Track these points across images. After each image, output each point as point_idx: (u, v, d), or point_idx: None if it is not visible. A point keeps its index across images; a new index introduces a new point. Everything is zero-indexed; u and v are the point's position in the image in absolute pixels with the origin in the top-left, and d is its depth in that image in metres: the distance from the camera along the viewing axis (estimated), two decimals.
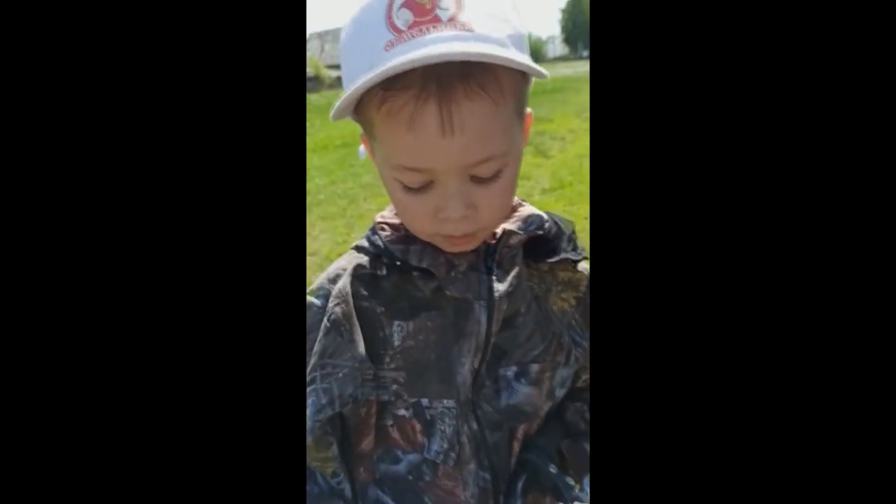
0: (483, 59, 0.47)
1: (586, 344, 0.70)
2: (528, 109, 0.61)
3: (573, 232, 0.69)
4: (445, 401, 0.63)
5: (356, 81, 0.49)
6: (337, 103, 0.51)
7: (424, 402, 0.63)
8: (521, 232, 0.65)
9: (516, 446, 0.67)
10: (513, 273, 0.64)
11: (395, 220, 0.65)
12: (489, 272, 0.63)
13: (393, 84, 0.48)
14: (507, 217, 0.66)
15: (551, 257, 0.67)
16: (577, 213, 4.15)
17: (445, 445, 0.64)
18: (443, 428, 0.63)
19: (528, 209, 0.68)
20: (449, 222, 0.56)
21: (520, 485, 0.64)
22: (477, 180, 0.54)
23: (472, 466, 0.64)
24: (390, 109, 0.50)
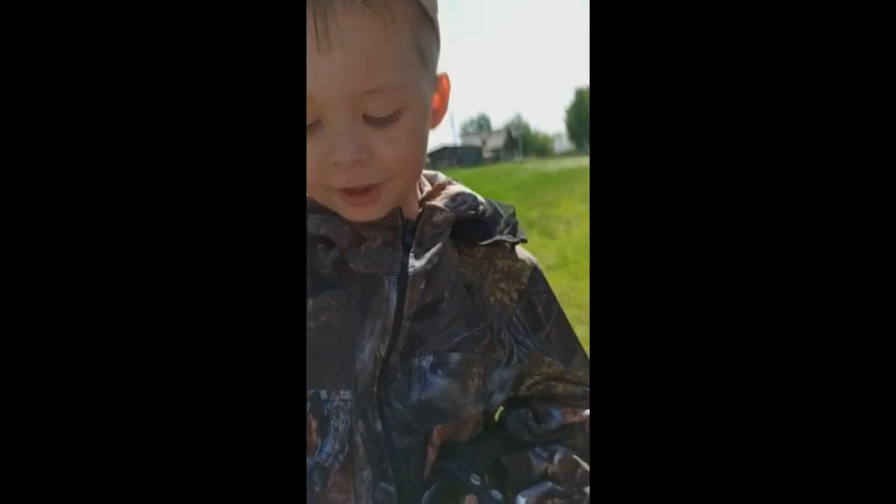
0: None
1: (531, 343, 0.60)
2: (444, 72, 0.55)
3: (513, 215, 0.60)
4: (343, 392, 0.53)
5: None
6: None
7: (322, 394, 0.53)
8: (447, 209, 0.56)
9: (431, 453, 0.55)
10: (433, 250, 0.54)
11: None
12: (406, 250, 0.55)
13: None
14: (434, 195, 0.59)
15: (485, 241, 0.58)
16: (581, 289, 4.08)
17: (336, 446, 0.53)
18: (336, 425, 0.53)
19: (457, 187, 0.60)
20: (340, 169, 0.48)
21: (427, 494, 0.52)
22: (371, 121, 0.47)
23: (366, 474, 0.53)
24: None
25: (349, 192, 0.50)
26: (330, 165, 0.48)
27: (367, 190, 0.50)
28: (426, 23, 0.49)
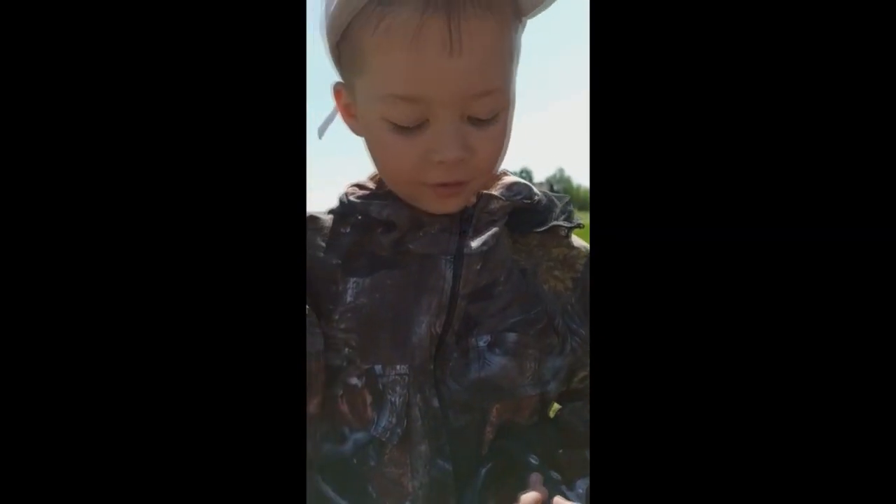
0: None
1: (585, 333, 0.60)
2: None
3: (568, 202, 0.62)
4: (399, 366, 0.54)
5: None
6: (327, 23, 0.48)
7: (377, 369, 0.54)
8: (503, 198, 0.58)
9: (489, 432, 0.56)
10: (488, 233, 0.56)
11: (368, 183, 0.60)
12: (463, 235, 0.56)
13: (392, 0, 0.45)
14: (490, 185, 0.60)
15: (539, 228, 0.59)
16: None
17: (393, 420, 0.53)
18: (393, 399, 0.53)
19: (513, 178, 0.62)
20: (442, 167, 0.50)
21: (483, 471, 0.52)
22: (474, 122, 0.49)
23: (423, 448, 0.53)
24: (389, 27, 0.45)
25: (443, 184, 0.52)
26: (431, 163, 0.50)
27: (458, 184, 0.52)
28: (520, 23, 0.51)
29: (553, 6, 0.52)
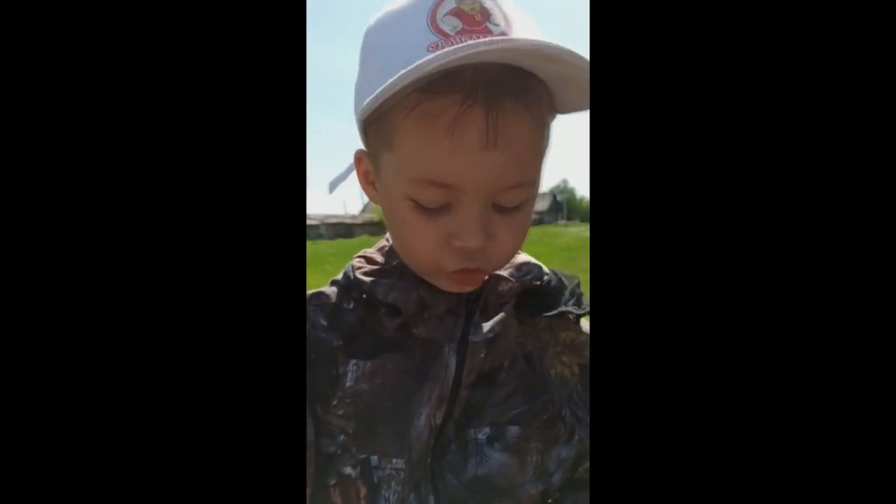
0: (554, 52, 0.41)
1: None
2: None
3: (577, 285, 0.58)
4: (395, 460, 0.51)
5: (390, 78, 0.41)
6: (369, 99, 0.43)
7: (374, 460, 0.51)
8: (512, 279, 0.56)
9: None
10: (495, 319, 0.54)
11: (376, 255, 0.57)
12: (469, 317, 0.53)
13: (432, 86, 0.42)
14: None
15: (549, 312, 0.56)
16: None
17: None
18: (387, 495, 0.50)
19: (523, 256, 0.59)
20: (463, 253, 0.48)
21: None
22: (499, 209, 0.48)
23: None
24: (425, 113, 0.43)
25: (461, 271, 0.50)
26: (452, 249, 0.48)
27: (476, 270, 0.50)
28: (553, 118, 0.51)
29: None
